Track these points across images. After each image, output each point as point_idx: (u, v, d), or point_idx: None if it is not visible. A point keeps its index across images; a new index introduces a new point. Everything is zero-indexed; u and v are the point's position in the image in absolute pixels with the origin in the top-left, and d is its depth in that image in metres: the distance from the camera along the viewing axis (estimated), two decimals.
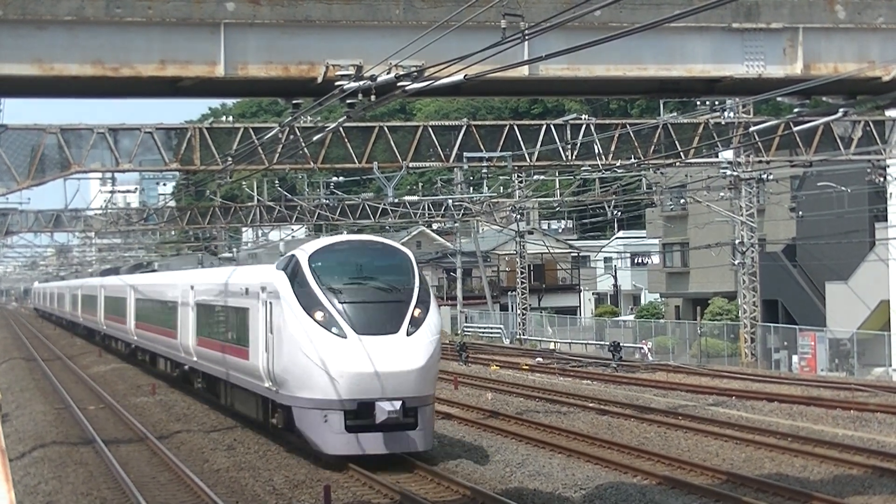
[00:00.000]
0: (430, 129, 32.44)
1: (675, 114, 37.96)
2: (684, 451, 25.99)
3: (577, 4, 13.24)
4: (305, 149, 30.44)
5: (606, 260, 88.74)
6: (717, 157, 43.70)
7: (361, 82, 14.19)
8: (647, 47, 14.92)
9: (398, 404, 22.82)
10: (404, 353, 23.13)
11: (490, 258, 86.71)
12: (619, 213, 61.04)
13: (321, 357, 23.16)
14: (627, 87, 16.59)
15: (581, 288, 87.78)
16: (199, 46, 14.11)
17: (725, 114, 37.01)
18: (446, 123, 34.16)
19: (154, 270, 53.61)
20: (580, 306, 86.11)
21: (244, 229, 65.97)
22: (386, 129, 32.14)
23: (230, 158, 29.49)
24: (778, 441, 26.84)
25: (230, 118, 68.47)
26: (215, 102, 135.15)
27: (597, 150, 33.39)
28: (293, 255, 25.20)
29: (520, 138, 32.92)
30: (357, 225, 50.97)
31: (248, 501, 21.48)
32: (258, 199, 53.90)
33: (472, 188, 58.98)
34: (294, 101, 15.87)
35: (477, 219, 68.44)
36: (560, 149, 33.18)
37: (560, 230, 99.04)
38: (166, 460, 25.98)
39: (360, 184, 65.29)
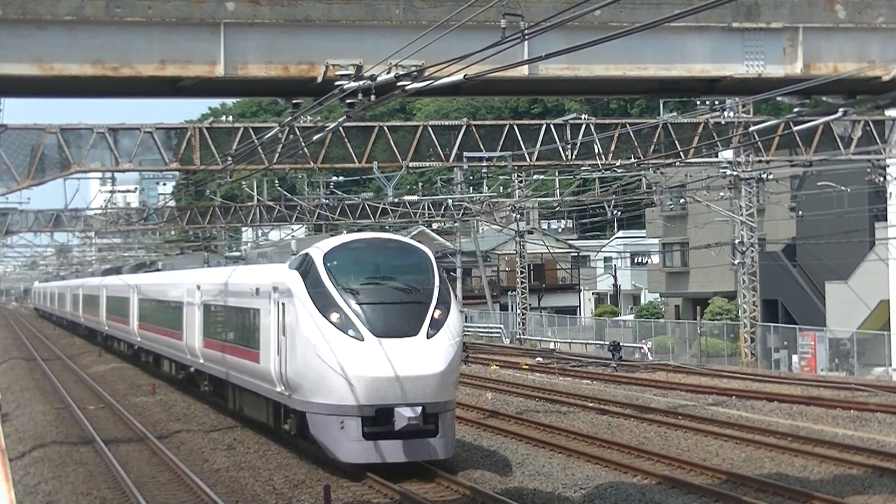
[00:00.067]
0: (429, 129, 32.44)
1: (674, 113, 37.96)
2: (684, 451, 25.99)
3: (576, 4, 13.24)
4: (305, 148, 30.44)
5: (606, 260, 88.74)
6: (717, 156, 43.73)
7: (361, 82, 14.19)
8: (647, 47, 14.93)
9: (418, 410, 21.78)
10: (424, 357, 22.07)
11: (490, 258, 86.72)
12: (619, 213, 61.07)
13: (337, 360, 22.12)
14: (627, 87, 16.60)
15: (581, 288, 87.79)
16: (199, 46, 14.12)
17: (725, 113, 37.02)
18: (446, 123, 34.17)
19: (158, 270, 52.86)
20: (580, 306, 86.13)
21: (244, 229, 65.93)
22: (386, 128, 32.14)
23: (230, 158, 29.48)
24: (778, 441, 26.84)
25: (230, 118, 68.48)
26: (215, 102, 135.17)
27: (597, 150, 33.39)
28: (307, 254, 24.14)
29: (520, 138, 32.92)
30: (357, 225, 50.94)
31: (248, 501, 21.48)
32: (258, 199, 53.90)
33: (471, 188, 58.97)
34: (294, 101, 15.88)
35: (477, 218, 68.45)
36: (560, 148, 33.18)
37: (560, 230, 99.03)
38: (166, 460, 25.98)
39: (360, 183, 65.32)
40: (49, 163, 29.69)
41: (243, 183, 56.83)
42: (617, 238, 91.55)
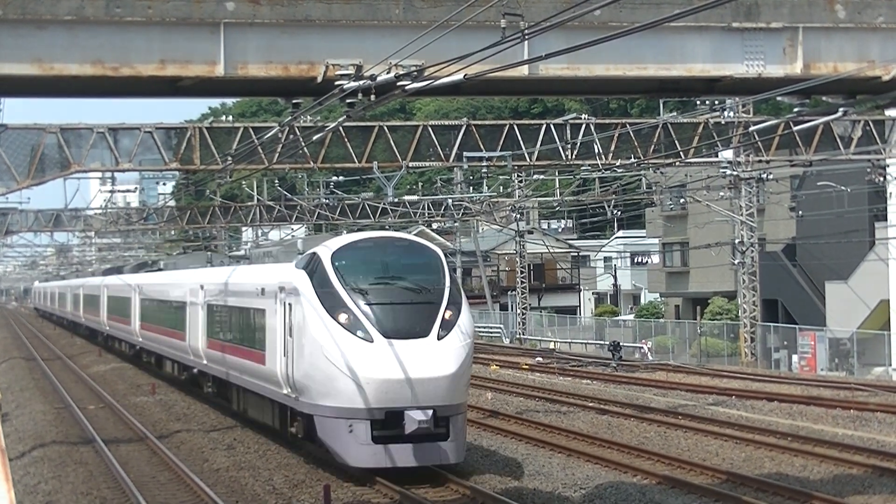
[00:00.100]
0: (429, 129, 32.44)
1: (674, 113, 37.97)
2: (684, 451, 25.99)
3: (576, 4, 13.24)
4: (305, 148, 30.44)
5: (606, 259, 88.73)
6: (717, 156, 43.74)
7: (361, 82, 14.20)
8: (647, 47, 14.93)
9: (429, 413, 21.19)
10: (435, 359, 21.50)
11: (490, 258, 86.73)
12: (619, 213, 61.07)
13: (346, 362, 21.51)
14: (627, 87, 16.60)
15: (581, 287, 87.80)
16: (199, 46, 14.12)
17: (725, 113, 37.02)
18: (446, 123, 34.17)
19: (160, 269, 52.41)
20: (580, 306, 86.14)
21: (244, 229, 65.95)
22: (386, 128, 32.15)
23: (230, 158, 29.48)
24: (778, 441, 26.85)
25: (230, 118, 68.48)
26: (215, 102, 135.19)
27: (596, 150, 33.39)
28: (314, 253, 23.52)
29: (519, 138, 32.92)
30: (357, 224, 50.94)
31: (248, 501, 21.48)
32: (258, 199, 53.91)
33: (471, 188, 58.98)
34: (294, 101, 15.88)
35: (477, 218, 68.47)
36: (560, 148, 33.18)
37: (560, 230, 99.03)
38: (166, 460, 25.98)
39: (359, 183, 65.33)
40: (49, 163, 29.69)
41: (243, 183, 56.84)
42: (617, 238, 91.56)
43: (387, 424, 21.46)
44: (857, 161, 38.20)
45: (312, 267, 23.08)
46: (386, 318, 21.76)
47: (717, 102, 35.86)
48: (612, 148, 33.51)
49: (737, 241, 51.17)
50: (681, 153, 33.65)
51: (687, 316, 66.42)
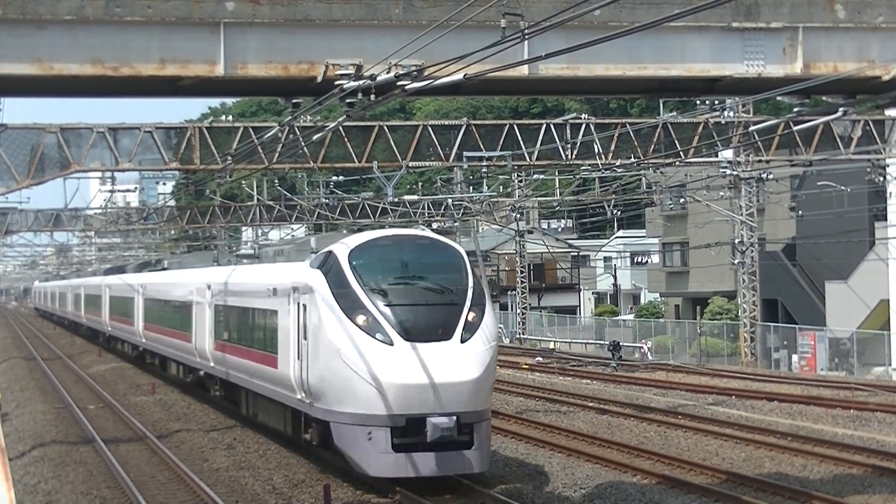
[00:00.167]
0: (429, 129, 32.44)
1: (674, 113, 37.97)
2: (684, 451, 25.99)
3: (576, 4, 13.25)
4: (305, 148, 30.44)
5: (606, 259, 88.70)
6: (717, 156, 43.74)
7: (361, 82, 14.20)
8: (647, 47, 14.94)
9: (452, 420, 20.21)
10: (458, 363, 20.50)
11: (490, 257, 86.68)
12: (619, 213, 61.06)
13: (365, 366, 20.49)
14: (627, 87, 16.61)
15: (581, 287, 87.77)
16: (199, 46, 14.13)
17: (725, 113, 37.02)
18: (446, 123, 34.18)
19: (164, 269, 51.69)
20: (580, 306, 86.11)
21: (244, 228, 65.96)
22: (386, 128, 32.15)
23: (230, 158, 29.49)
24: (778, 440, 26.85)
25: (230, 117, 68.50)
26: (215, 102, 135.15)
27: (596, 150, 33.40)
28: (330, 252, 22.37)
29: (519, 138, 32.93)
30: (357, 224, 50.94)
31: (248, 501, 21.48)
32: (258, 199, 53.89)
33: (471, 187, 58.97)
34: (294, 101, 15.89)
35: (477, 218, 68.45)
36: (560, 148, 33.19)
37: (560, 229, 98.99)
38: (166, 459, 25.98)
39: (359, 183, 65.27)
40: (49, 162, 29.69)
41: (243, 182, 56.83)
42: (617, 238, 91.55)
43: (408, 432, 20.46)
44: (857, 161, 38.21)
45: (328, 266, 22.08)
46: (406, 320, 20.73)
47: (717, 102, 35.87)
48: (612, 148, 33.52)
49: (737, 240, 51.17)
50: (681, 153, 33.65)
51: (687, 316, 66.42)
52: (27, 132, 29.59)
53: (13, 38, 13.65)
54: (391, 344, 20.52)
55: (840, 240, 53.74)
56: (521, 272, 69.32)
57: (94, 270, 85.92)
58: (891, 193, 48.74)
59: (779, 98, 17.57)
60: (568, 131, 33.37)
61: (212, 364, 33.27)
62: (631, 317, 74.83)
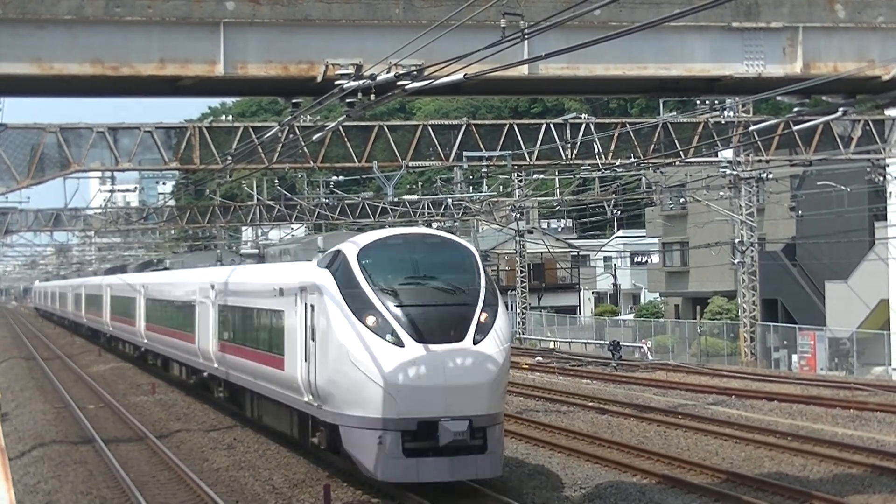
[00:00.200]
0: (429, 129, 32.45)
1: (674, 113, 37.99)
2: (684, 450, 25.99)
3: (576, 3, 13.25)
4: (305, 148, 30.45)
5: (606, 259, 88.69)
6: (717, 156, 43.74)
7: (361, 81, 14.21)
8: (647, 46, 14.95)
9: (465, 424, 19.64)
10: (471, 365, 19.98)
11: (490, 257, 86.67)
12: (619, 213, 61.07)
13: (375, 368, 19.90)
14: (627, 87, 16.62)
15: (581, 287, 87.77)
16: (199, 45, 14.14)
17: (725, 113, 37.04)
18: (446, 122, 34.20)
19: (166, 268, 51.21)
20: (580, 305, 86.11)
21: (244, 228, 65.97)
22: (385, 128, 32.16)
23: (230, 157, 29.49)
24: (777, 440, 26.85)
25: (230, 117, 68.53)
26: (215, 101, 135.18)
27: (596, 150, 33.41)
28: (339, 251, 21.78)
29: (519, 137, 32.94)
30: (357, 224, 50.96)
31: (248, 501, 21.48)
32: (258, 199, 53.91)
33: (471, 187, 58.99)
34: (294, 101, 15.90)
35: (477, 218, 68.47)
36: (560, 148, 33.20)
37: (560, 229, 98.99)
38: (166, 459, 25.98)
39: (359, 183, 65.29)
40: (49, 162, 29.69)
41: (243, 182, 56.85)
42: (617, 237, 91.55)
43: (419, 436, 19.88)
44: (857, 161, 38.23)
45: (337, 265, 21.48)
46: (418, 321, 20.14)
47: (716, 102, 35.90)
48: (612, 147, 33.53)
49: (736, 240, 51.17)
50: (680, 153, 33.67)
51: (687, 315, 66.43)
52: (27, 132, 29.60)
53: (13, 37, 13.66)
54: (402, 345, 19.99)
55: (840, 240, 53.75)
56: (521, 272, 69.32)
57: (95, 270, 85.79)
58: (891, 193, 48.74)
59: (779, 98, 17.58)
60: (568, 131, 33.38)
61: (215, 365, 32.74)
62: (631, 317, 74.83)
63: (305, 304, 22.62)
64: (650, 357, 53.70)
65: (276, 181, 60.43)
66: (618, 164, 34.55)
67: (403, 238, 21.93)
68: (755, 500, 20.12)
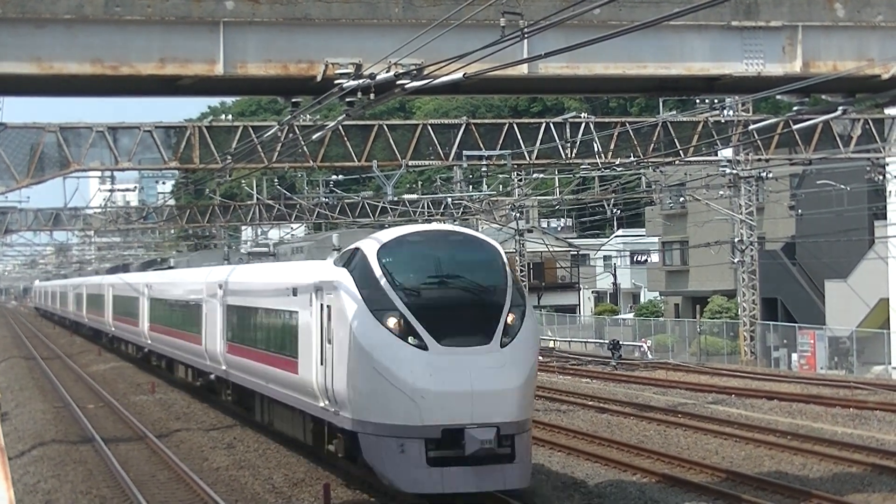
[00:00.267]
0: (429, 128, 32.46)
1: (674, 112, 38.01)
2: (684, 449, 25.99)
3: (576, 3, 13.24)
4: (305, 147, 30.45)
5: (606, 258, 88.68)
6: (717, 155, 43.73)
7: (361, 80, 14.22)
8: (647, 45, 14.96)
9: (492, 431, 18.70)
10: (498, 369, 18.96)
11: None
12: (619, 212, 61.08)
13: (396, 373, 18.85)
14: (627, 86, 16.63)
15: (580, 286, 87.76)
16: (199, 45, 14.14)
17: (725, 112, 37.02)
18: (445, 122, 34.22)
19: (170, 267, 50.43)
20: (580, 304, 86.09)
21: (243, 228, 65.97)
22: (385, 127, 32.17)
23: (229, 157, 29.49)
24: (777, 439, 26.86)
25: (229, 117, 68.51)
26: (215, 101, 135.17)
27: (596, 149, 33.42)
28: (357, 249, 20.67)
29: (519, 137, 32.95)
30: (356, 223, 50.96)
31: (248, 500, 21.47)
32: (257, 198, 53.91)
33: (471, 186, 58.97)
34: (293, 100, 15.91)
35: (476, 217, 68.46)
36: (559, 147, 33.21)
37: (559, 228, 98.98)
38: (166, 459, 25.98)
39: (359, 182, 65.29)
40: (48, 161, 29.70)
41: (243, 182, 56.82)
42: (616, 236, 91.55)
43: (444, 444, 18.82)
44: (857, 159, 38.23)
45: (355, 264, 20.37)
46: (442, 323, 19.10)
47: (716, 101, 35.88)
48: (612, 147, 33.55)
49: (736, 239, 51.17)
50: (680, 152, 33.68)
51: (686, 314, 66.43)
52: (27, 131, 29.60)
53: (12, 37, 13.66)
54: (425, 349, 18.96)
55: (840, 238, 53.74)
56: (521, 271, 69.31)
57: (96, 269, 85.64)
58: (890, 192, 48.75)
59: (778, 97, 17.58)
60: (567, 130, 33.39)
61: (223, 367, 31.79)
62: (631, 315, 74.83)
63: (321, 305, 21.62)
64: (650, 356, 53.71)
65: (276, 180, 60.46)
66: (617, 163, 34.57)
67: (426, 235, 20.73)
68: (755, 498, 20.12)
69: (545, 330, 70.18)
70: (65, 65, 13.84)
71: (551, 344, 64.09)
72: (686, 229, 68.34)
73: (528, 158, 33.18)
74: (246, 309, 28.93)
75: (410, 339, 19.00)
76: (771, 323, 52.46)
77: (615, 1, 13.18)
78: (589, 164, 36.42)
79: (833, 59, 15.49)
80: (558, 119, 34.05)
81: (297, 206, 51.75)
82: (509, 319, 19.37)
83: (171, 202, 69.40)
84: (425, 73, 14.15)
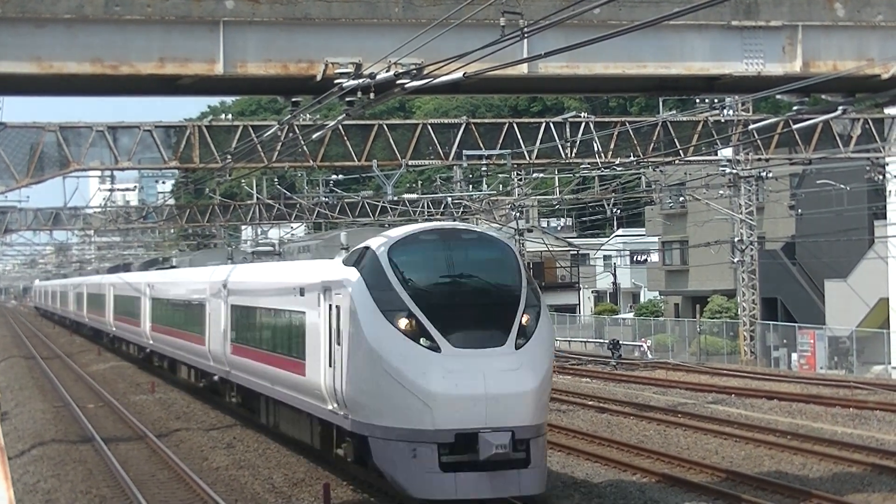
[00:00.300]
0: (429, 127, 32.46)
1: (674, 112, 38.00)
2: (684, 449, 25.99)
3: (576, 2, 13.25)
4: (305, 147, 30.46)
5: (606, 258, 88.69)
6: (717, 154, 43.74)
7: (361, 80, 14.22)
8: (647, 45, 14.96)
9: (507, 436, 18.14)
10: (513, 372, 18.43)
11: None
12: (619, 211, 61.07)
13: (408, 375, 18.34)
14: (627, 85, 16.63)
15: (580, 286, 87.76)
16: (199, 44, 14.14)
17: (725, 112, 37.01)
18: (445, 121, 34.21)
19: (173, 267, 50.02)
20: (579, 304, 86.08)
21: (243, 227, 65.95)
22: (385, 127, 32.17)
23: (229, 156, 29.49)
24: (777, 439, 26.86)
25: (229, 116, 68.54)
26: (214, 100, 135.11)
27: (596, 148, 33.43)
28: (367, 248, 20.17)
29: (519, 136, 32.95)
30: (356, 223, 50.96)
31: (248, 500, 21.47)
32: (257, 197, 53.89)
33: (471, 186, 58.97)
34: (293, 99, 15.91)
35: (476, 217, 68.46)
36: (559, 147, 33.21)
37: (559, 228, 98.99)
38: (165, 458, 25.98)
39: (359, 182, 65.29)
40: (48, 161, 29.70)
41: (243, 181, 56.78)
42: (616, 236, 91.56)
43: (457, 449, 18.28)
44: (857, 159, 38.23)
45: (365, 263, 19.82)
46: (455, 324, 18.60)
47: (716, 101, 35.87)
48: (612, 146, 33.55)
49: (736, 239, 51.17)
50: (680, 151, 33.68)
51: (686, 314, 66.43)
52: (26, 131, 29.61)
53: (12, 36, 13.66)
54: (438, 350, 18.45)
55: (839, 238, 53.74)
56: None
57: (97, 269, 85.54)
58: (890, 192, 48.74)
59: (778, 96, 17.58)
60: (567, 130, 33.39)
61: (227, 368, 31.24)
62: (630, 315, 74.83)
63: (330, 305, 21.06)
64: (650, 356, 53.71)
65: (276, 180, 60.43)
66: (617, 162, 34.56)
67: (438, 233, 20.11)
68: (755, 498, 20.12)
69: None
70: (65, 64, 13.85)
71: None
72: (686, 229, 68.35)
73: (527, 158, 33.18)
74: (251, 309, 28.41)
75: (422, 340, 18.52)
76: (771, 323, 52.46)
77: (615, 1, 13.18)
78: (589, 163, 36.39)
79: (833, 58, 15.50)
80: (558, 119, 34.05)
81: (297, 206, 51.75)
82: (524, 320, 18.90)
83: (171, 202, 69.38)
84: (425, 72, 14.15)
